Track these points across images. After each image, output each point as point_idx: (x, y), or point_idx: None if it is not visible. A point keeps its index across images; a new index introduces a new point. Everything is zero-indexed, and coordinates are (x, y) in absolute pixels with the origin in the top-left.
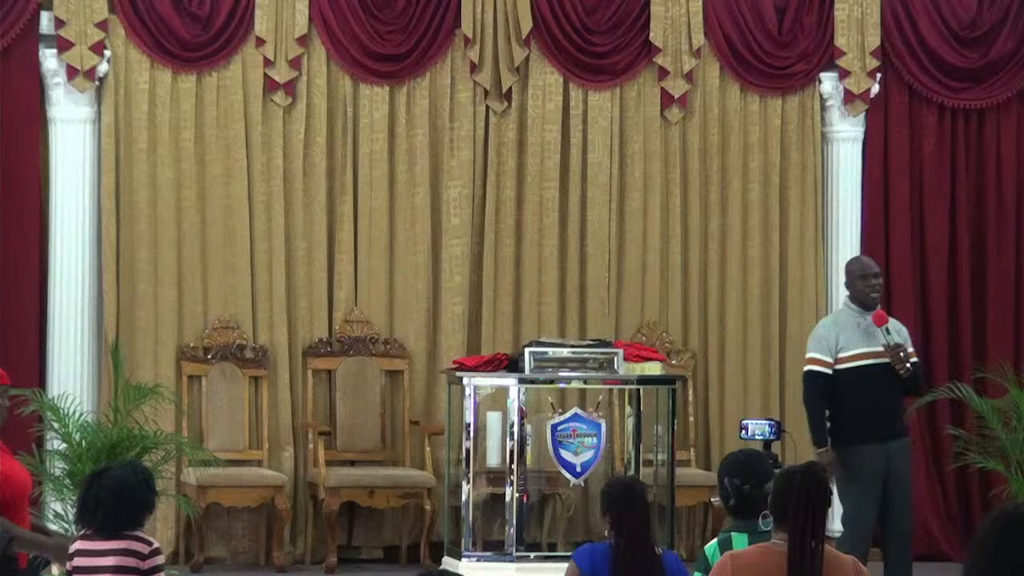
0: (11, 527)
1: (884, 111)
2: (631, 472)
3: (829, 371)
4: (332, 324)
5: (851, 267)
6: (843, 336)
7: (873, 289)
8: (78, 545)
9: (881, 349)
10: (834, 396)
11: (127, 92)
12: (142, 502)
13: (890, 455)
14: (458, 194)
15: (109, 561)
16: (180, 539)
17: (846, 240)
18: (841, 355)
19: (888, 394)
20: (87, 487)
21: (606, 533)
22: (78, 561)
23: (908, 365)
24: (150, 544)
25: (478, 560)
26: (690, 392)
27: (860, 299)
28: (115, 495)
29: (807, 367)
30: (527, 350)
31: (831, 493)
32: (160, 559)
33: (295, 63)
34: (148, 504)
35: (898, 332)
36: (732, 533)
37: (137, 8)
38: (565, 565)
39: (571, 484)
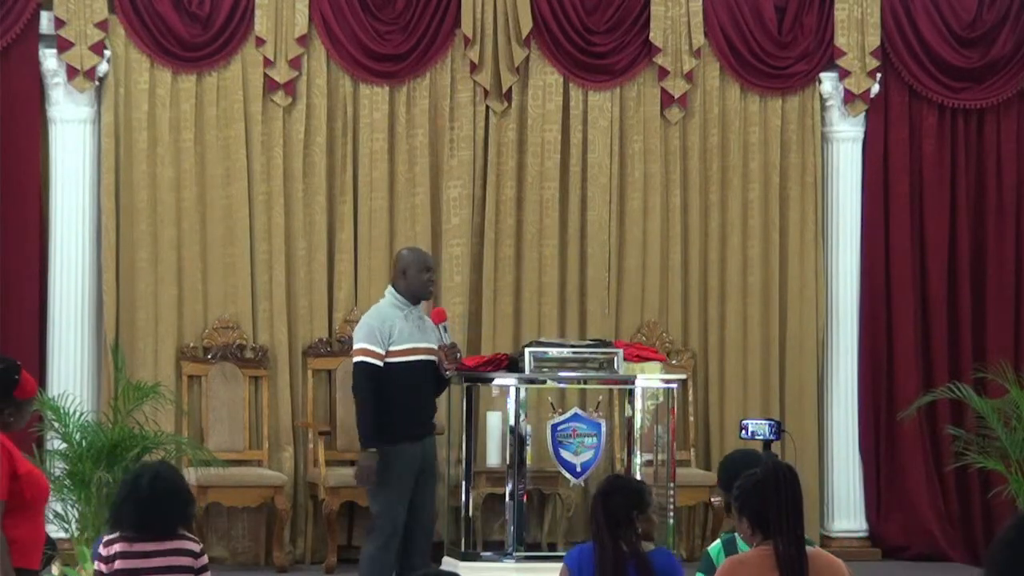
0: None
1: (884, 111)
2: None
3: (381, 363)
4: (332, 324)
5: (411, 258)
6: (395, 328)
7: (431, 283)
8: (118, 548)
9: (431, 345)
10: (381, 391)
11: (127, 92)
12: (192, 501)
13: (424, 452)
14: (458, 194)
15: (158, 562)
16: None
17: (846, 240)
18: (393, 348)
19: (430, 391)
20: (147, 488)
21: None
22: (121, 564)
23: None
24: (199, 542)
25: (478, 560)
26: (690, 392)
27: (414, 291)
28: (173, 495)
29: (360, 358)
30: (527, 350)
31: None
32: (207, 558)
33: (295, 63)
34: (195, 503)
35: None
36: (736, 534)
37: (137, 8)
38: None
39: (571, 484)
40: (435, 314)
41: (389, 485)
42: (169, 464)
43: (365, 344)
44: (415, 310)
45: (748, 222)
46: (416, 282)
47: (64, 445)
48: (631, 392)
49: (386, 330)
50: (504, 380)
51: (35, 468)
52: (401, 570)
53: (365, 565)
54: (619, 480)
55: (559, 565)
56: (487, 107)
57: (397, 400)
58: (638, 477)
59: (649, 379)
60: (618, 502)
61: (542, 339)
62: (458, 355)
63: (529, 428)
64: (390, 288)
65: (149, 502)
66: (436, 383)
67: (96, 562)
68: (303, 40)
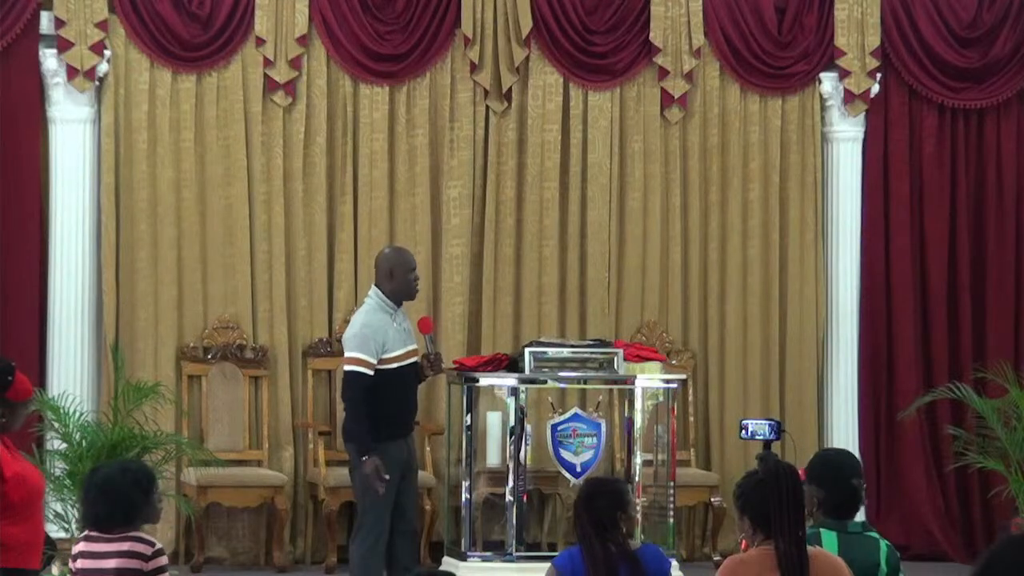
0: None
1: (884, 111)
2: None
3: (372, 373)
4: (332, 324)
5: (396, 259)
6: (388, 337)
7: (417, 283)
8: (80, 547)
9: (415, 347)
10: (373, 396)
11: (127, 92)
12: (129, 502)
13: (408, 449)
14: (458, 194)
15: (111, 563)
16: (180, 539)
17: (846, 240)
18: (386, 356)
19: (415, 392)
20: (84, 485)
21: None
22: (81, 563)
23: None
24: (152, 545)
25: (478, 560)
26: (690, 392)
27: (402, 294)
28: (104, 493)
29: (354, 367)
30: (527, 350)
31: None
32: (163, 560)
33: (295, 63)
34: (133, 504)
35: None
36: (821, 530)
37: (137, 8)
38: None
39: (571, 484)
40: (423, 325)
41: (379, 483)
42: (120, 463)
43: (360, 354)
44: (400, 312)
45: (748, 222)
46: (403, 284)
47: (64, 445)
48: (631, 392)
49: (380, 340)
50: (504, 380)
51: (28, 469)
52: (389, 570)
53: (357, 565)
54: (601, 483)
55: None
56: (487, 107)
57: (387, 402)
58: (636, 476)
59: (649, 379)
60: (602, 504)
61: (542, 339)
62: (441, 365)
63: (529, 428)
64: (376, 290)
65: (85, 499)
66: (417, 382)
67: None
68: (303, 40)
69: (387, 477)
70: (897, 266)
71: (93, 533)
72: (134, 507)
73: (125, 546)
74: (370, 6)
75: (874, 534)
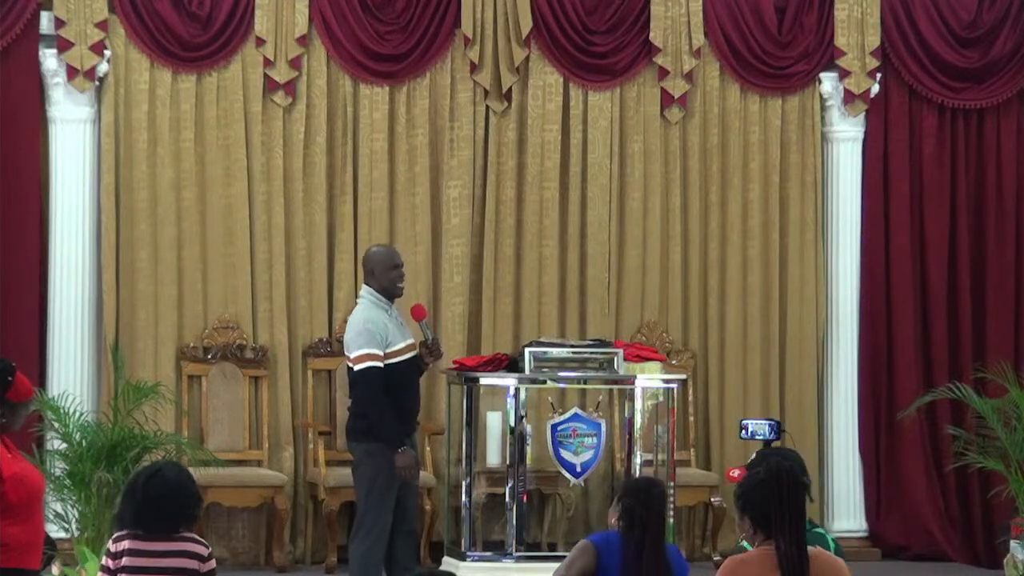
0: None
1: (884, 111)
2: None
3: (383, 366)
4: (332, 324)
5: (378, 256)
6: (388, 330)
7: (400, 280)
8: (126, 545)
9: (413, 341)
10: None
11: (127, 92)
12: (195, 502)
13: (413, 448)
14: (458, 194)
15: (167, 562)
16: None
17: (846, 240)
18: (389, 350)
19: (417, 387)
20: (142, 487)
21: (613, 522)
22: (128, 561)
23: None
24: (207, 547)
25: (478, 560)
26: (690, 392)
27: (385, 290)
28: (172, 494)
29: (368, 364)
30: (527, 350)
31: (805, 491)
32: (214, 562)
33: (295, 63)
34: (195, 504)
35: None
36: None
37: (137, 8)
38: None
39: (571, 484)
40: (416, 312)
41: (381, 483)
42: (174, 464)
43: (368, 349)
44: (393, 308)
45: (748, 222)
46: (385, 280)
47: (64, 445)
48: (631, 392)
49: (383, 334)
50: (504, 380)
51: (27, 469)
52: (389, 570)
53: (357, 564)
54: (653, 481)
55: (559, 565)
56: (487, 107)
57: (392, 400)
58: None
59: (649, 379)
60: (656, 501)
61: (542, 339)
62: (440, 350)
63: (529, 428)
64: (367, 287)
65: (144, 501)
66: (418, 375)
67: (104, 558)
68: (303, 40)
69: (421, 466)
70: (897, 266)
71: (139, 532)
72: (196, 507)
73: (181, 546)
74: (370, 6)
75: (820, 530)
